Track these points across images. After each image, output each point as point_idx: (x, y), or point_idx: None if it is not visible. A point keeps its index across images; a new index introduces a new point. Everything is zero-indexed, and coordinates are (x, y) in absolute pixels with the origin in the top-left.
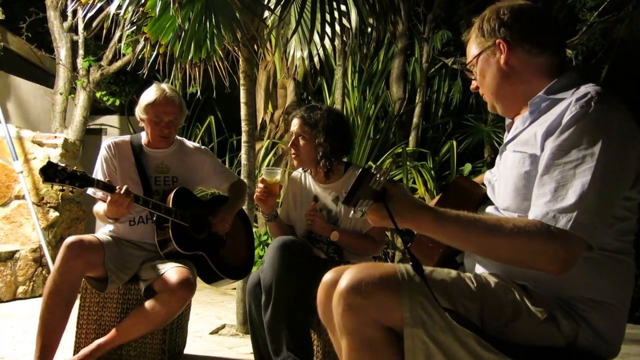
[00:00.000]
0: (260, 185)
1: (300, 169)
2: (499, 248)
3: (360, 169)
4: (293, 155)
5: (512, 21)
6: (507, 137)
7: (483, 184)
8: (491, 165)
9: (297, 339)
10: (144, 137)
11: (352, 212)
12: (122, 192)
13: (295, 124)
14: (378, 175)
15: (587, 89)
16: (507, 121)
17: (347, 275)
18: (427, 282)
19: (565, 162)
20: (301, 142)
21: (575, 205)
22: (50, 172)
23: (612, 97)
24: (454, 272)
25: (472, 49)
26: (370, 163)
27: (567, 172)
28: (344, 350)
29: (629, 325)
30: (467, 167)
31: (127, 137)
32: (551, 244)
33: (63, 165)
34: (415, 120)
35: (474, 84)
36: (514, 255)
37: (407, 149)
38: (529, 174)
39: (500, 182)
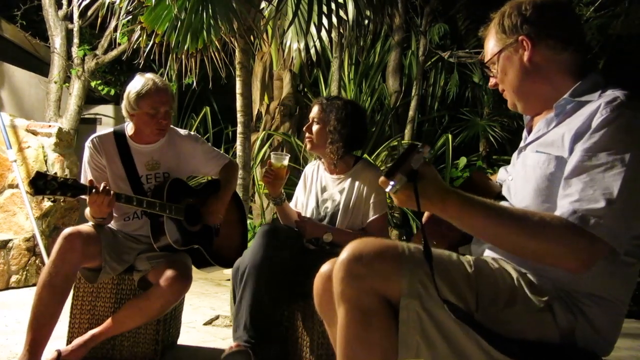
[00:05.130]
0: (269, 169)
1: (315, 162)
2: (523, 239)
3: (409, 144)
4: (307, 139)
5: (535, 17)
6: (526, 137)
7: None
8: (486, 158)
9: (256, 323)
10: (129, 129)
11: (390, 186)
12: (100, 190)
13: (314, 110)
14: (420, 153)
15: (616, 93)
16: (526, 120)
17: (349, 247)
18: (433, 270)
19: (595, 165)
20: (315, 126)
21: (605, 209)
22: (40, 184)
23: None
24: (454, 255)
25: (492, 46)
26: (365, 156)
27: (596, 175)
28: (339, 318)
29: None
30: (462, 161)
31: (109, 131)
32: (577, 242)
33: (52, 174)
34: (411, 113)
35: (492, 81)
36: (537, 248)
37: (403, 142)
38: (554, 175)
39: (518, 181)
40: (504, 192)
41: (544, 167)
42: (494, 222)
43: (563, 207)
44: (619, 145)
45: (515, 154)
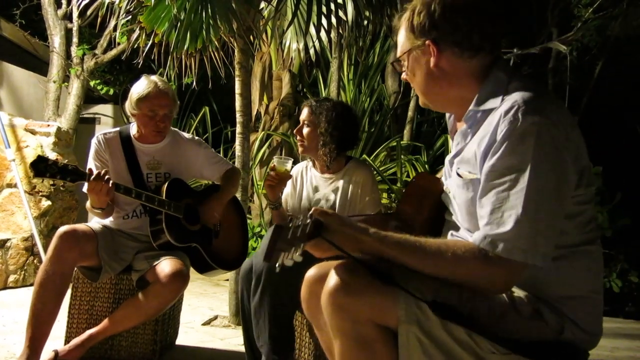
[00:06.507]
0: (272, 173)
1: (303, 162)
2: (442, 274)
3: (273, 227)
4: (298, 142)
5: (443, 21)
6: (452, 147)
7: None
8: None
9: (279, 327)
10: (133, 129)
11: (278, 265)
12: (99, 176)
13: (303, 113)
14: (299, 222)
15: (515, 97)
16: (449, 125)
17: (334, 274)
18: (361, 261)
19: (500, 183)
20: (305, 129)
21: (512, 231)
22: (40, 167)
23: (540, 100)
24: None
25: (401, 43)
26: (364, 156)
27: (501, 194)
28: (337, 351)
29: (619, 320)
30: None
31: (115, 131)
32: (489, 270)
33: (54, 159)
34: (410, 113)
35: (404, 75)
36: (454, 279)
37: (402, 142)
38: (474, 199)
39: (455, 200)
40: (445, 200)
41: (465, 192)
42: (410, 259)
43: (478, 230)
44: (519, 158)
45: (447, 162)
